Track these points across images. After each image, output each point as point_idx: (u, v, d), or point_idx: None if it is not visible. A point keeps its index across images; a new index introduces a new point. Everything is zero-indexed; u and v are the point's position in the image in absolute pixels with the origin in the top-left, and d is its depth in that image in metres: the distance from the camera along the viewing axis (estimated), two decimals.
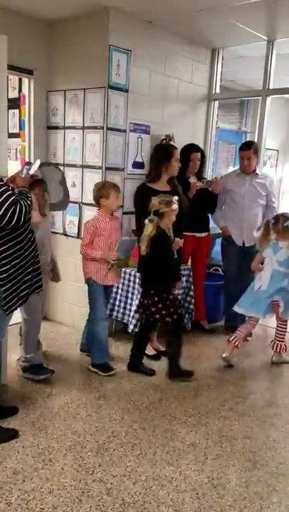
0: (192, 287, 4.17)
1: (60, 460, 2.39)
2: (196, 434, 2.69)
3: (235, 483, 2.29)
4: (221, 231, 4.36)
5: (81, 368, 3.47)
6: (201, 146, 4.51)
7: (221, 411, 2.98)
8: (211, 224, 4.40)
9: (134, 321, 3.81)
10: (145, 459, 2.44)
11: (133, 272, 3.81)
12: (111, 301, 4.00)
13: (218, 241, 4.61)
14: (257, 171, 4.17)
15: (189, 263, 4.27)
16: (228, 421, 2.86)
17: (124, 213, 4.04)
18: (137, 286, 3.80)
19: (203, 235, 4.28)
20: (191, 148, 4.14)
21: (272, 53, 4.34)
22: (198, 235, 4.22)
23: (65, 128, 4.08)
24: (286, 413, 3.02)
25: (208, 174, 4.83)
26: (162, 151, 3.68)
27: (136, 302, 3.78)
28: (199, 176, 4.23)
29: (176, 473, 2.35)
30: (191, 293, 4.17)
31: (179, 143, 4.13)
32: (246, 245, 4.18)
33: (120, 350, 3.83)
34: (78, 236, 4.09)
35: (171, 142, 4.14)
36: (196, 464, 2.43)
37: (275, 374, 3.64)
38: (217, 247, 4.73)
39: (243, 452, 2.55)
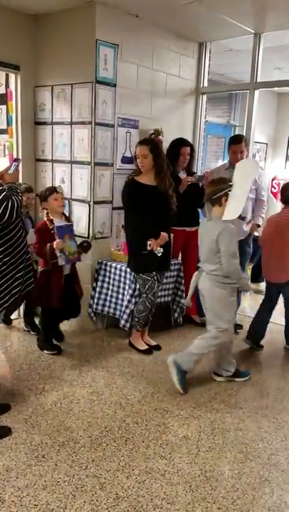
0: (183, 281, 4.18)
1: (53, 456, 2.39)
2: (188, 427, 2.71)
3: (227, 475, 2.31)
4: None
5: (72, 364, 3.47)
6: (190, 140, 4.51)
7: (213, 404, 3.00)
8: (201, 218, 4.40)
9: (125, 316, 3.81)
10: (138, 453, 2.45)
11: (123, 267, 3.81)
12: (102, 296, 4.00)
13: None
14: None
15: (180, 257, 4.28)
16: (220, 413, 2.88)
17: (113, 209, 4.04)
18: (128, 281, 3.80)
19: (194, 229, 4.27)
20: (180, 143, 4.13)
21: (259, 46, 4.34)
22: (188, 229, 4.22)
23: (52, 123, 4.05)
24: (278, 404, 3.05)
25: (198, 168, 4.83)
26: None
27: (127, 297, 3.78)
28: (189, 170, 4.23)
29: (169, 466, 2.36)
30: (183, 287, 4.18)
31: (168, 137, 4.13)
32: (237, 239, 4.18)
33: (112, 345, 3.83)
34: None
35: (160, 137, 4.14)
36: (188, 456, 2.45)
37: (266, 366, 3.66)
38: None
39: (236, 444, 2.58)
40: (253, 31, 4.23)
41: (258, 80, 4.43)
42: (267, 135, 8.11)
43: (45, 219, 3.41)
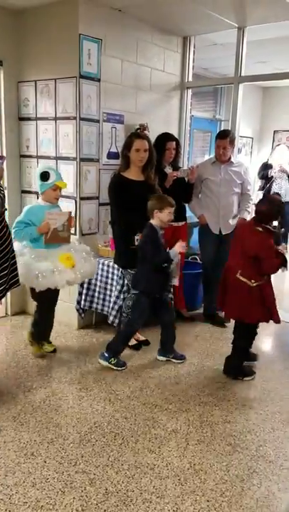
0: None
1: (42, 453, 2.39)
2: (177, 421, 2.73)
3: (216, 468, 2.33)
4: (198, 220, 4.38)
5: (61, 361, 3.46)
6: (176, 134, 4.50)
7: (201, 397, 3.02)
8: (188, 213, 4.41)
9: (114, 312, 3.81)
10: (127, 448, 2.46)
11: (111, 264, 3.80)
12: (90, 292, 3.99)
13: (196, 230, 4.63)
14: (232, 159, 4.19)
15: None
16: (209, 406, 2.90)
17: (100, 204, 4.02)
18: (115, 277, 3.79)
19: (181, 224, 4.29)
20: (165, 138, 4.12)
21: (242, 40, 4.34)
22: (175, 224, 4.21)
23: (37, 119, 4.02)
24: (265, 396, 3.08)
25: (184, 163, 4.83)
26: (126, 139, 3.65)
27: (115, 293, 3.78)
28: (175, 165, 4.23)
29: (158, 460, 2.37)
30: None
31: (154, 132, 4.12)
32: (223, 233, 4.21)
33: (100, 341, 3.83)
34: None
35: (146, 131, 4.13)
36: (177, 450, 2.46)
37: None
38: (195, 236, 4.75)
39: (224, 436, 2.60)
40: (236, 25, 4.23)
41: (242, 74, 4.44)
42: (252, 129, 8.14)
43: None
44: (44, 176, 3.26)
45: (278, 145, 7.51)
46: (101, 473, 2.25)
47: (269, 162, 7.02)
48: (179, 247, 3.28)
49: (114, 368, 3.35)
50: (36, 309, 3.48)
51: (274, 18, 3.96)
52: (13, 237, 3.14)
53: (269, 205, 3.16)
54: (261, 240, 3.08)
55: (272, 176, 6.90)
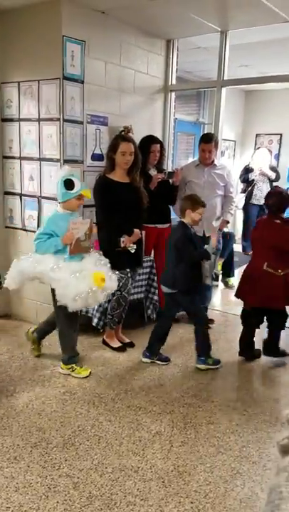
0: (156, 278, 4.19)
1: (25, 457, 2.37)
2: (161, 423, 2.73)
3: (200, 469, 2.34)
4: None
5: (44, 364, 3.43)
6: (160, 137, 4.52)
7: (185, 398, 3.03)
8: (173, 215, 4.43)
9: (98, 315, 3.80)
10: (111, 451, 2.45)
11: None
12: None
13: None
14: (215, 162, 4.22)
15: (152, 254, 4.29)
16: (192, 408, 2.91)
17: (84, 206, 4.00)
18: None
19: (165, 226, 4.31)
20: (150, 140, 4.14)
21: (225, 44, 4.38)
22: (160, 226, 4.24)
23: (20, 120, 3.98)
24: (248, 397, 3.10)
25: (168, 165, 4.85)
26: (111, 141, 3.65)
27: None
28: (159, 167, 4.24)
29: (142, 462, 2.37)
30: (155, 284, 4.19)
31: (138, 134, 4.12)
32: (206, 235, 4.23)
33: (85, 344, 3.82)
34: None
35: (130, 134, 4.13)
36: (161, 452, 2.46)
37: (236, 359, 3.71)
38: None
39: (208, 438, 2.61)
40: (219, 29, 4.27)
41: (225, 78, 4.48)
42: (235, 132, 8.22)
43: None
44: (68, 185, 3.06)
45: (258, 148, 7.58)
46: (85, 477, 2.24)
47: (250, 165, 7.09)
48: (214, 241, 3.39)
49: (214, 367, 3.45)
50: (59, 320, 3.32)
51: (256, 22, 4.01)
52: (35, 250, 3.11)
53: (277, 196, 3.46)
54: (281, 231, 3.38)
55: (253, 180, 6.96)
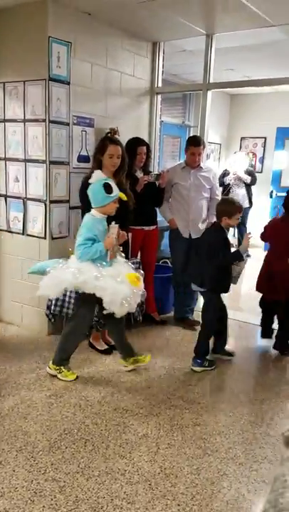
0: (142, 280, 4.18)
1: (10, 462, 2.34)
2: (148, 426, 2.72)
3: (186, 471, 2.34)
4: (168, 224, 4.41)
5: (30, 367, 3.40)
6: (146, 139, 4.52)
7: (171, 400, 3.03)
8: (159, 217, 4.44)
9: None
10: (98, 454, 2.44)
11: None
12: (60, 297, 3.93)
13: (167, 234, 4.66)
14: (201, 165, 4.24)
15: (139, 256, 4.29)
16: (179, 409, 2.91)
17: (70, 208, 3.99)
18: None
19: (152, 228, 4.31)
20: (136, 142, 4.14)
21: (211, 47, 4.41)
22: (146, 228, 4.24)
23: (5, 121, 3.95)
24: (234, 398, 3.11)
25: (154, 168, 4.86)
26: (99, 143, 3.63)
27: None
28: (145, 169, 4.24)
29: (129, 465, 2.36)
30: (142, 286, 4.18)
31: (124, 136, 4.11)
32: (193, 237, 4.25)
33: None
34: (24, 232, 4.00)
35: (116, 136, 4.13)
36: (148, 454, 2.46)
37: (223, 360, 3.72)
38: (166, 240, 4.78)
39: (194, 440, 2.61)
40: (204, 32, 4.30)
41: (211, 81, 4.51)
42: (220, 135, 8.28)
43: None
44: (108, 188, 3.05)
45: (235, 153, 7.66)
46: (71, 481, 2.22)
47: (227, 170, 7.15)
48: (247, 244, 3.44)
49: (209, 369, 3.49)
50: (74, 325, 3.28)
51: (241, 26, 4.05)
52: (79, 256, 3.02)
53: None
54: None
55: (228, 183, 7.02)
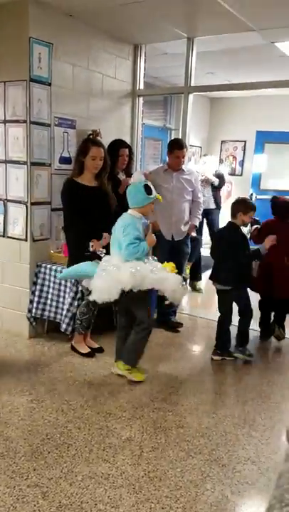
0: None
1: None
2: (131, 429, 2.71)
3: (170, 474, 2.34)
4: (151, 226, 4.40)
5: (11, 372, 3.35)
6: (128, 142, 4.52)
7: (155, 403, 3.02)
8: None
9: (67, 320, 3.74)
10: (81, 459, 2.41)
11: (64, 270, 3.74)
12: (42, 300, 3.90)
13: None
14: (183, 168, 4.26)
15: None
16: (162, 412, 2.91)
17: (52, 210, 3.95)
18: (69, 284, 3.73)
19: None
20: (119, 144, 4.13)
21: (192, 51, 4.44)
22: None
23: None
24: (217, 399, 3.13)
25: (136, 170, 4.85)
26: (81, 144, 3.61)
27: (68, 300, 3.72)
28: (128, 171, 4.24)
29: (112, 469, 2.34)
30: None
31: (106, 138, 4.10)
32: (175, 239, 4.26)
33: (53, 350, 3.75)
34: (4, 234, 3.95)
35: (98, 137, 4.11)
36: (132, 458, 2.44)
37: (206, 362, 3.74)
38: None
39: (178, 442, 2.61)
40: (186, 35, 4.32)
41: (192, 84, 4.53)
42: (201, 139, 8.34)
43: None
44: (148, 189, 3.13)
45: (205, 155, 7.71)
46: (54, 486, 2.19)
47: (197, 171, 7.17)
48: (267, 242, 3.68)
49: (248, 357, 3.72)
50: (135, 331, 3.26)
51: (222, 30, 4.08)
52: (128, 255, 3.05)
53: (285, 201, 3.99)
54: None
55: None
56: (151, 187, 3.17)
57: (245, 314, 3.72)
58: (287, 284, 3.90)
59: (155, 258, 3.35)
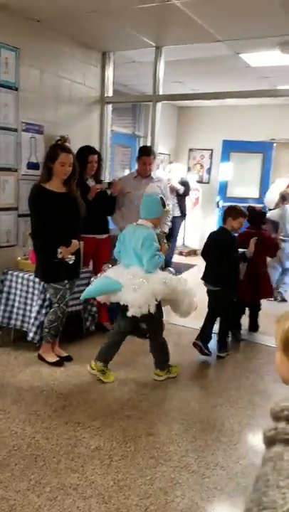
0: None
1: None
2: (100, 438, 2.68)
3: (140, 482, 2.32)
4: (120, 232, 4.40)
5: None
6: (97, 148, 4.51)
7: (124, 410, 3.00)
8: (111, 225, 4.42)
9: (34, 329, 3.68)
10: (49, 470, 2.36)
11: (31, 277, 3.68)
12: (8, 308, 3.82)
13: None
14: (152, 175, 4.28)
15: (91, 265, 4.25)
16: (132, 420, 2.89)
17: (19, 216, 3.89)
18: (36, 291, 3.67)
19: (104, 236, 4.29)
20: (87, 151, 4.12)
21: (160, 59, 4.49)
22: (98, 236, 4.22)
23: None
24: (186, 405, 3.13)
25: (105, 177, 4.85)
26: (49, 150, 3.56)
27: (36, 308, 3.66)
28: (97, 178, 4.23)
29: (81, 479, 2.31)
30: None
31: (75, 145, 4.09)
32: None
33: (20, 359, 3.67)
34: None
35: (67, 143, 4.09)
36: (101, 467, 2.41)
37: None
38: None
39: (147, 449, 2.59)
40: (154, 44, 4.37)
41: (160, 93, 4.58)
42: (169, 147, 8.42)
43: None
44: (163, 202, 3.27)
45: (171, 162, 7.82)
46: (22, 499, 2.14)
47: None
48: (252, 247, 3.96)
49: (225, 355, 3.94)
50: (154, 337, 3.46)
51: (189, 40, 4.16)
52: (154, 266, 3.16)
53: (261, 211, 4.47)
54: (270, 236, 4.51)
55: None
56: (165, 200, 3.38)
57: (224, 317, 3.96)
58: (260, 288, 4.22)
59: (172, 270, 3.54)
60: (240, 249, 4.00)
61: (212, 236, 4.01)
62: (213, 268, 3.86)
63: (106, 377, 3.36)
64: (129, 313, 3.10)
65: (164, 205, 3.33)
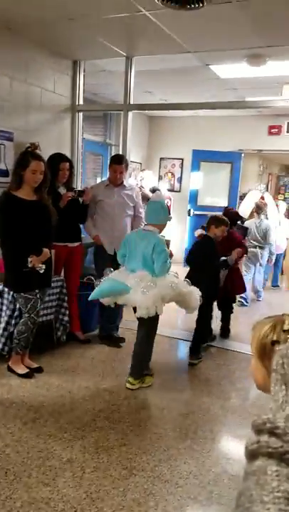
0: (66, 298, 4.10)
1: None
2: (72, 450, 2.63)
3: (113, 494, 2.29)
4: (93, 240, 4.38)
5: None
6: (68, 156, 4.49)
7: (97, 422, 2.96)
8: (83, 233, 4.40)
9: (3, 340, 3.60)
10: (20, 484, 2.30)
11: (0, 287, 3.60)
12: None
13: (91, 250, 4.62)
14: (124, 183, 4.29)
15: (62, 274, 4.20)
16: (104, 431, 2.86)
17: None
18: (5, 301, 3.60)
19: (76, 244, 4.25)
20: (59, 158, 4.08)
21: (131, 69, 4.53)
22: (70, 244, 4.18)
23: None
24: (158, 413, 3.13)
25: (77, 184, 4.83)
26: (20, 157, 3.50)
27: (5, 319, 3.58)
28: (68, 186, 4.20)
29: (53, 493, 2.26)
30: (66, 304, 4.10)
31: (46, 152, 4.04)
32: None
33: None
34: None
35: (37, 151, 4.05)
36: (73, 480, 2.37)
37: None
38: (90, 256, 4.74)
39: (120, 460, 2.57)
40: (124, 54, 4.40)
41: (131, 102, 4.61)
42: (140, 155, 8.48)
43: None
44: (168, 209, 3.26)
45: (143, 170, 7.89)
46: None
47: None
48: (235, 255, 4.17)
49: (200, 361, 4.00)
50: (146, 340, 3.49)
51: (160, 50, 4.21)
52: (163, 270, 3.26)
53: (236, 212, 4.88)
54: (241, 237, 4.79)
55: None
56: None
57: (200, 324, 4.04)
58: (233, 283, 4.47)
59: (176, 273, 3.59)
60: (222, 258, 4.13)
61: (197, 243, 4.18)
62: (195, 275, 3.89)
63: (146, 382, 3.50)
64: (137, 315, 3.24)
65: (169, 212, 3.44)
